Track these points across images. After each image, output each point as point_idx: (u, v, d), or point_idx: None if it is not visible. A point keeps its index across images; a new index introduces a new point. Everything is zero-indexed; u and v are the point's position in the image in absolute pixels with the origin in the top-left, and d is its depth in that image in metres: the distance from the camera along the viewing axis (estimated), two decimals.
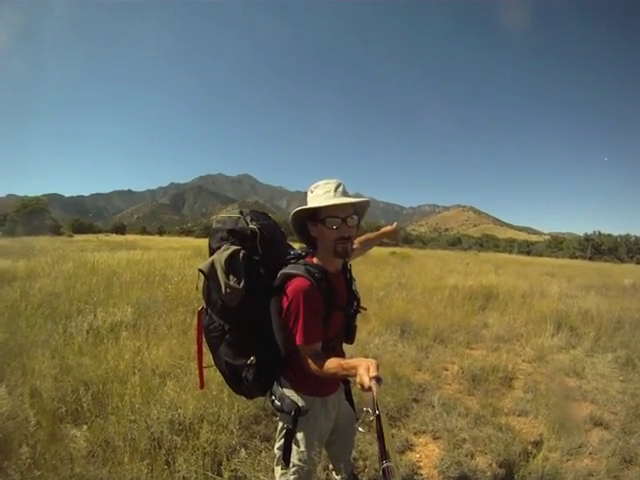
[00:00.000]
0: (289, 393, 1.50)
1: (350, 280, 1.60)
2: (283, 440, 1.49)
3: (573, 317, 6.27)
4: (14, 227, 39.82)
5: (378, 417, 0.95)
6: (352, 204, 1.40)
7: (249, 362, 1.44)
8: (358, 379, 1.12)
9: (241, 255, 1.37)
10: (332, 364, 1.30)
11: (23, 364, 3.09)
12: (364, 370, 1.12)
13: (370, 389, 1.06)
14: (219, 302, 1.41)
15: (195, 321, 1.61)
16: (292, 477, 1.50)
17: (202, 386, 1.75)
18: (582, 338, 5.43)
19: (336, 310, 1.46)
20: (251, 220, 1.46)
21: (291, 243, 1.68)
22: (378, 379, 1.07)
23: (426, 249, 38.67)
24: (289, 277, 1.38)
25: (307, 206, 1.44)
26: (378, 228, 2.15)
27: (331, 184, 1.42)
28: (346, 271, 1.60)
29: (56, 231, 42.57)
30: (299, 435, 1.49)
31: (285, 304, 1.37)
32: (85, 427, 2.45)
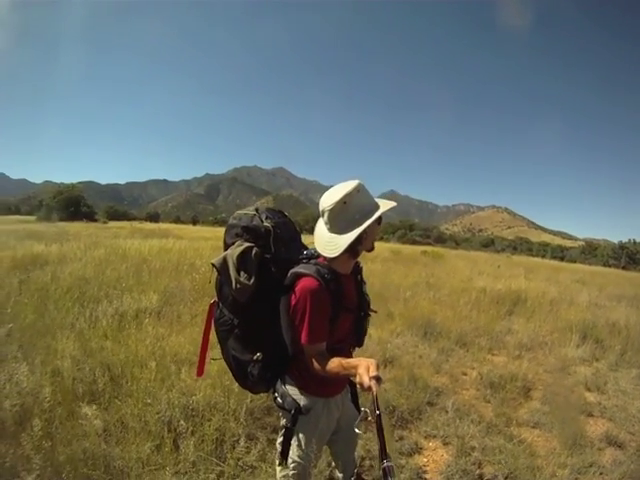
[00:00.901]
0: (292, 392, 1.51)
1: (361, 283, 1.62)
2: (282, 437, 1.52)
3: (600, 328, 6.02)
4: (50, 213, 41.27)
5: (378, 416, 0.97)
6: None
7: (255, 358, 1.46)
8: (358, 379, 1.13)
9: (253, 252, 1.39)
10: (334, 364, 1.31)
11: (47, 345, 3.27)
12: (364, 370, 1.13)
13: (370, 389, 1.07)
14: (230, 297, 1.44)
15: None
16: (291, 473, 1.53)
17: (200, 373, 1.77)
18: (607, 351, 5.19)
19: (344, 312, 1.45)
20: (266, 218, 1.48)
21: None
22: (378, 379, 1.09)
23: (459, 249, 37.93)
24: (299, 276, 1.39)
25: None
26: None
27: (360, 185, 1.40)
28: (357, 273, 1.61)
29: (91, 217, 44.00)
30: (299, 433, 1.51)
31: (293, 302, 1.38)
32: (99, 406, 2.59)
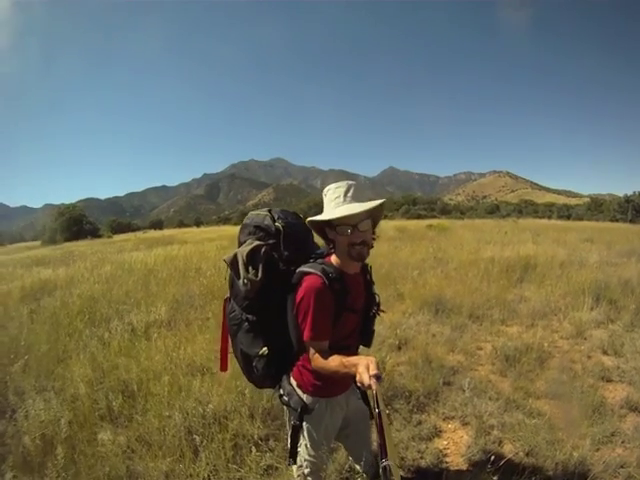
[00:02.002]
0: (298, 390, 1.54)
1: (370, 283, 1.63)
2: (290, 436, 1.56)
3: (613, 288, 5.89)
4: (54, 235, 41.32)
5: (379, 414, 0.97)
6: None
7: (261, 353, 1.51)
8: (358, 377, 1.14)
9: (262, 250, 1.46)
10: (334, 362, 1.32)
11: (62, 372, 3.33)
12: (364, 368, 1.13)
13: (370, 387, 1.07)
14: (240, 292, 1.49)
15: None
16: (306, 471, 1.58)
17: (225, 368, 1.82)
18: (622, 311, 5.08)
19: (348, 312, 1.46)
20: (278, 218, 1.54)
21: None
22: (378, 377, 1.09)
23: (464, 219, 37.65)
24: (304, 275, 1.42)
25: (316, 218, 1.46)
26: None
27: (341, 188, 1.42)
28: (366, 273, 1.62)
29: (95, 234, 44.18)
30: (306, 431, 1.54)
31: (297, 300, 1.41)
32: (119, 426, 2.64)
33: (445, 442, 2.62)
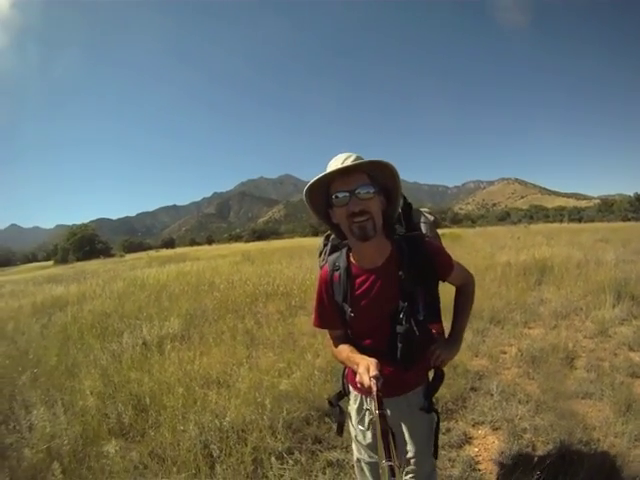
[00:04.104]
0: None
1: (403, 280, 1.28)
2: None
3: (633, 284, 5.80)
4: (66, 255, 41.87)
5: (381, 416, 0.95)
6: (361, 170, 1.20)
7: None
8: (358, 378, 1.13)
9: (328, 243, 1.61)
10: (342, 353, 1.34)
11: (72, 385, 3.27)
12: (364, 369, 1.12)
13: (370, 388, 1.06)
14: None
15: None
16: (357, 470, 1.60)
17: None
18: None
19: (355, 307, 1.32)
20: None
21: None
22: (377, 378, 1.08)
23: (475, 227, 37.41)
24: (321, 267, 1.48)
25: (306, 188, 1.25)
26: None
27: (341, 156, 1.24)
28: (396, 267, 1.30)
29: (107, 253, 44.68)
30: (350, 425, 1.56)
31: None
32: (129, 440, 2.56)
33: (476, 449, 2.49)
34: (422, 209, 1.62)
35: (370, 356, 1.22)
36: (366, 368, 1.11)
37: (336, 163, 1.21)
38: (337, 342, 1.41)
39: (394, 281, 1.29)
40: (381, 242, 1.31)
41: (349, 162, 1.19)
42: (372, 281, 1.31)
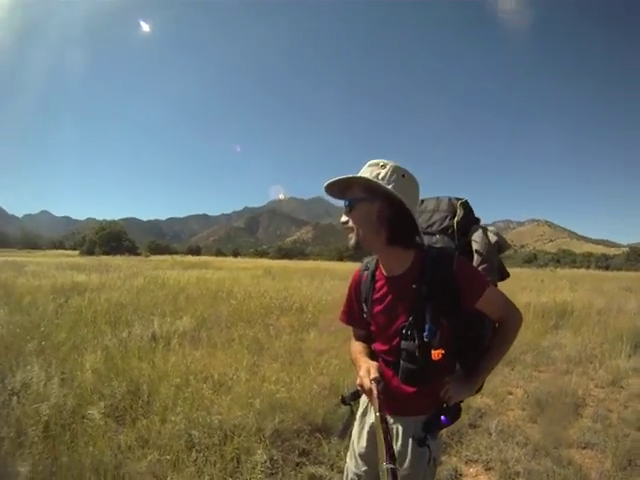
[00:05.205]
0: None
1: (423, 296, 1.19)
2: None
3: None
4: (92, 247, 43.07)
5: (381, 418, 0.95)
6: (335, 189, 1.24)
7: None
8: (359, 380, 1.14)
9: None
10: (354, 352, 1.37)
11: (74, 358, 3.41)
12: (365, 372, 1.13)
13: (371, 391, 1.07)
14: None
15: None
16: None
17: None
18: None
19: (371, 311, 1.33)
20: None
21: None
22: (378, 381, 1.10)
23: None
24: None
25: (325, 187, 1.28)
26: None
27: (369, 162, 1.25)
28: (413, 279, 1.22)
29: (133, 252, 45.66)
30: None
31: None
32: (119, 421, 2.64)
33: None
34: (489, 227, 1.46)
35: (382, 364, 1.26)
36: (367, 371, 1.12)
37: (362, 169, 1.22)
38: (354, 339, 1.46)
39: (408, 294, 1.22)
40: (396, 252, 1.24)
41: (353, 174, 1.21)
42: (387, 289, 1.29)
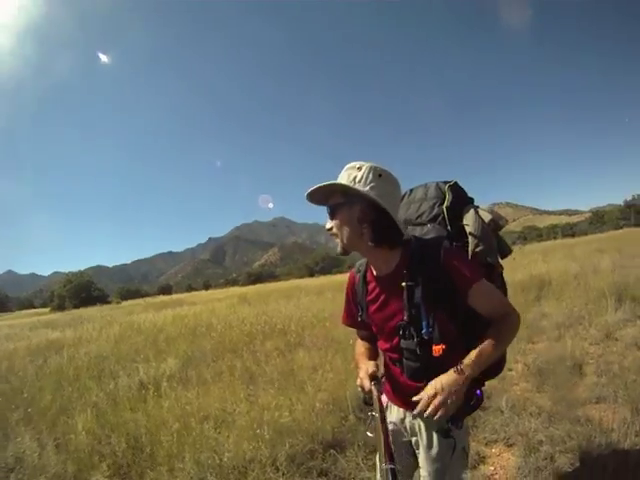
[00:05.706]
0: None
1: (407, 295, 1.18)
2: None
3: (632, 287, 5.87)
4: (62, 302, 41.55)
5: (381, 418, 0.96)
6: (319, 196, 1.22)
7: None
8: (358, 381, 1.17)
9: None
10: (356, 354, 1.42)
11: (66, 421, 3.19)
12: (364, 373, 1.16)
13: (370, 391, 1.10)
14: None
15: None
16: None
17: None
18: None
19: (366, 312, 1.33)
20: None
21: None
22: (378, 382, 1.13)
23: None
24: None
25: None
26: None
27: (347, 166, 1.24)
28: (402, 277, 1.19)
29: (104, 300, 44.30)
30: None
31: None
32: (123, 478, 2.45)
33: (492, 467, 2.38)
34: (481, 206, 1.37)
35: (389, 362, 1.31)
36: (366, 372, 1.15)
37: (341, 173, 1.20)
38: (358, 339, 1.50)
39: (399, 292, 1.19)
40: (383, 252, 1.21)
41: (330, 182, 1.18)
42: (379, 290, 1.28)
